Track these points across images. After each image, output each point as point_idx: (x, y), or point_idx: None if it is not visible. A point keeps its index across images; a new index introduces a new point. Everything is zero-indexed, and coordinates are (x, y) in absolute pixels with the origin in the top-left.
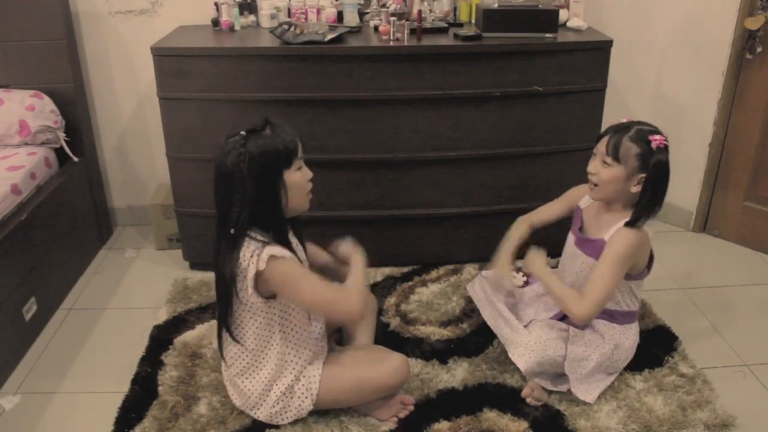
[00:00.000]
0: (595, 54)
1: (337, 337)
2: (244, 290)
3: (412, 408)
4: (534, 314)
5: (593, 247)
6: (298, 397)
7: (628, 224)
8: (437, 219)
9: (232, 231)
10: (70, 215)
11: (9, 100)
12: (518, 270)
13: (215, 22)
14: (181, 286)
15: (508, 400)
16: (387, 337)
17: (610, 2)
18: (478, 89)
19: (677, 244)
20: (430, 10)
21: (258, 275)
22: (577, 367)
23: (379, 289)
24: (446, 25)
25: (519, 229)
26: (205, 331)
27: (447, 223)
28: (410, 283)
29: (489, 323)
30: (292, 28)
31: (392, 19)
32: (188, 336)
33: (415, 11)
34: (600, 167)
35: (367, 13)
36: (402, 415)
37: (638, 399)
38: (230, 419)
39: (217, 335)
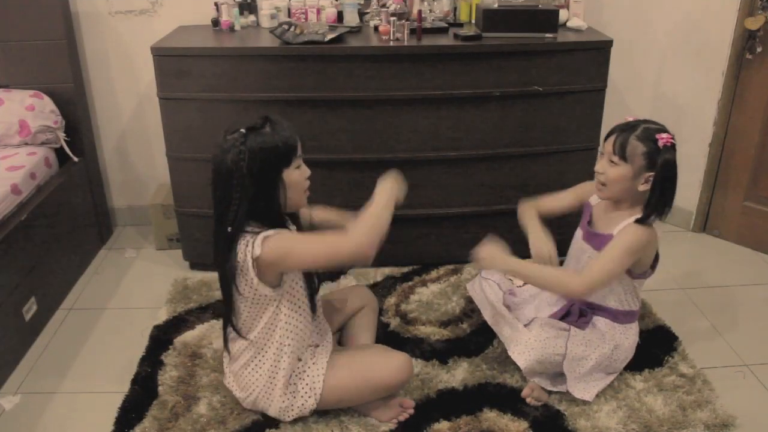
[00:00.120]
0: (595, 54)
1: (337, 337)
2: (248, 283)
3: (412, 411)
4: (535, 312)
5: (601, 242)
6: (302, 396)
7: (638, 221)
8: (437, 219)
9: (229, 229)
10: (70, 215)
11: (9, 100)
12: None
13: (215, 22)
14: (181, 286)
15: (508, 400)
16: (387, 337)
17: (610, 2)
18: (478, 89)
19: (677, 244)
20: (430, 10)
21: (258, 262)
22: (576, 366)
23: (379, 289)
24: (446, 25)
25: (533, 213)
26: (205, 331)
27: (447, 223)
28: (410, 283)
29: (489, 322)
30: (292, 28)
31: (392, 19)
32: (188, 336)
33: (415, 11)
34: (607, 166)
35: (367, 13)
36: (402, 418)
37: (638, 399)
38: (230, 419)
39: (223, 331)
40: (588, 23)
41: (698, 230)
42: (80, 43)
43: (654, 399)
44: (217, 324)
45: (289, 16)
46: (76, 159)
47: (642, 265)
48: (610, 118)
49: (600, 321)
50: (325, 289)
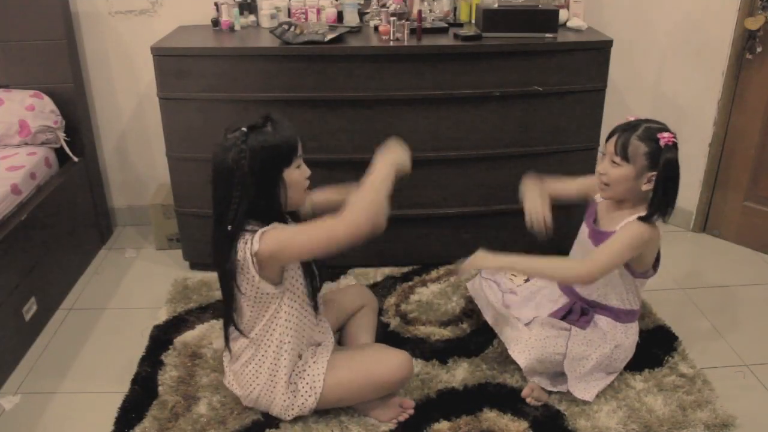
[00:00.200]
0: (595, 54)
1: (337, 336)
2: (249, 281)
3: (412, 412)
4: (536, 311)
5: (603, 240)
6: (302, 395)
7: (641, 219)
8: (437, 219)
9: (229, 228)
10: (70, 215)
11: (9, 100)
12: None
13: (215, 22)
14: (181, 286)
15: (508, 400)
16: (387, 337)
17: (610, 2)
18: (478, 89)
19: (677, 244)
20: (430, 10)
21: (257, 258)
22: (577, 366)
23: (379, 289)
24: (446, 25)
25: (535, 186)
26: (205, 331)
27: (447, 223)
28: (410, 283)
29: (489, 321)
30: (292, 28)
31: (392, 19)
32: (188, 336)
33: (415, 11)
34: (609, 167)
35: (367, 13)
36: (402, 418)
37: (638, 399)
38: (230, 419)
39: (224, 330)
40: (588, 23)
41: (698, 230)
42: (80, 43)
43: (654, 399)
44: (217, 324)
45: (289, 16)
46: (76, 159)
47: (644, 264)
48: (610, 118)
49: (601, 320)
50: (325, 288)
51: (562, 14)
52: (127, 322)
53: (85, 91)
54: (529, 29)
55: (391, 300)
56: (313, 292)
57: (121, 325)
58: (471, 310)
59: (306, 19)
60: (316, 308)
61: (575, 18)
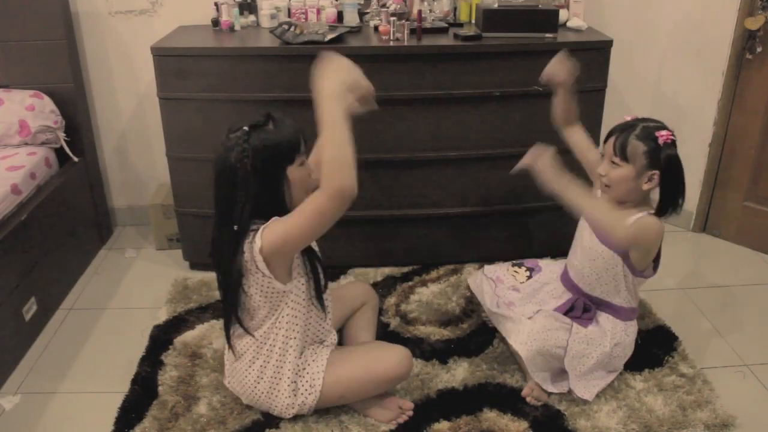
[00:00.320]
0: (595, 54)
1: (338, 335)
2: (257, 281)
3: (411, 413)
4: (538, 308)
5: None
6: (302, 393)
7: (655, 214)
8: (437, 219)
9: (235, 228)
10: (70, 215)
11: (9, 100)
12: (520, 265)
13: (215, 22)
14: (181, 286)
15: (508, 400)
16: (387, 337)
17: (610, 2)
18: (478, 89)
19: (677, 244)
20: (430, 10)
21: (264, 255)
22: (577, 364)
23: (379, 289)
24: (446, 25)
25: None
26: (205, 331)
27: (447, 223)
28: (410, 283)
29: (490, 316)
30: (292, 28)
31: (392, 19)
32: (188, 336)
33: (415, 11)
34: (609, 168)
35: (367, 13)
36: (401, 419)
37: (638, 399)
38: (230, 419)
39: (225, 330)
40: (588, 23)
41: (698, 230)
42: (80, 43)
43: (654, 399)
44: (217, 324)
45: (289, 16)
46: (76, 159)
47: (645, 262)
48: (610, 118)
49: (603, 317)
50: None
51: (562, 14)
52: (127, 322)
53: (85, 91)
54: (529, 29)
55: (391, 300)
56: (320, 290)
57: (121, 325)
58: (471, 310)
59: (306, 19)
60: (323, 306)
61: (575, 18)
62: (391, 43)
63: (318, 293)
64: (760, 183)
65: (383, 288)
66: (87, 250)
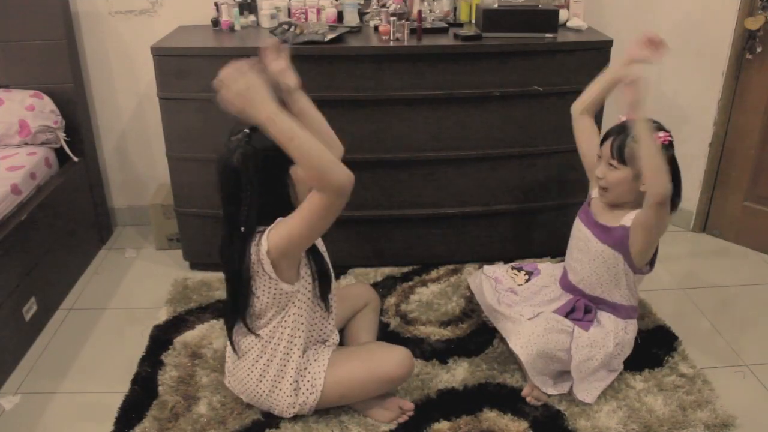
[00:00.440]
0: (595, 54)
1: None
2: (265, 282)
3: (411, 413)
4: (539, 308)
5: (611, 235)
6: (303, 393)
7: None
8: (437, 219)
9: (242, 229)
10: (70, 215)
11: (9, 100)
12: (519, 269)
13: (215, 22)
14: (181, 286)
15: (508, 400)
16: (387, 337)
17: (610, 2)
18: (478, 89)
19: (677, 244)
20: (430, 10)
21: (271, 257)
22: (582, 368)
23: (379, 289)
24: (446, 25)
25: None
26: (205, 331)
27: (447, 223)
28: (410, 283)
29: (489, 316)
30: (292, 28)
31: (392, 19)
32: (188, 336)
33: (415, 11)
34: (607, 171)
35: (367, 13)
36: (402, 420)
37: (638, 399)
38: (230, 419)
39: (227, 329)
40: (588, 23)
41: (698, 230)
42: (80, 43)
43: (654, 399)
44: (217, 324)
45: (289, 16)
46: (76, 159)
47: (645, 257)
48: (610, 119)
49: (604, 317)
50: None
51: (562, 14)
52: (127, 322)
53: (85, 91)
54: (529, 29)
55: (391, 300)
56: (325, 289)
57: (121, 325)
58: (471, 310)
59: (306, 19)
60: (327, 306)
61: (575, 18)
62: (391, 43)
63: (323, 293)
64: (760, 183)
65: (383, 288)
66: (87, 250)
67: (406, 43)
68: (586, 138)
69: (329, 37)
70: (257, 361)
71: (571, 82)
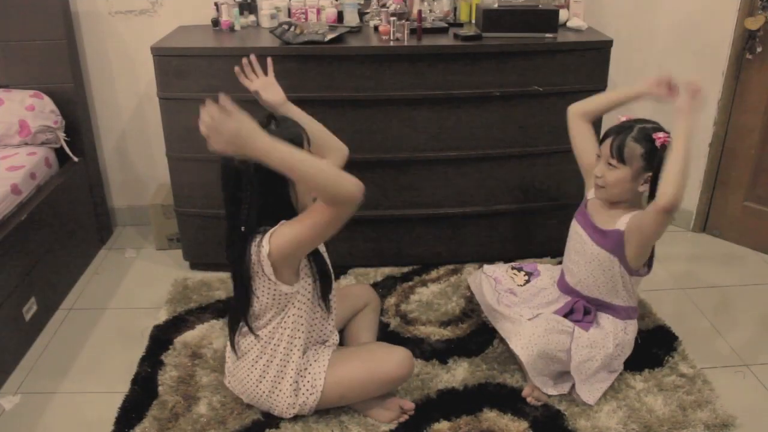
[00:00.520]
0: (595, 54)
1: (339, 336)
2: (264, 283)
3: (412, 413)
4: (538, 310)
5: (607, 239)
6: (303, 394)
7: None
8: (437, 219)
9: (243, 229)
10: (70, 215)
11: (9, 100)
12: (519, 269)
13: (215, 22)
14: (181, 286)
15: (508, 400)
16: (387, 337)
17: (610, 2)
18: (478, 89)
19: (677, 244)
20: (430, 10)
21: (272, 260)
22: (583, 369)
23: (379, 289)
24: (446, 25)
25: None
26: (205, 331)
27: (447, 223)
28: (410, 283)
29: (489, 316)
30: (292, 28)
31: (392, 19)
32: (188, 336)
33: (415, 11)
34: (606, 170)
35: (367, 13)
36: (402, 419)
37: (638, 399)
38: (230, 419)
39: (229, 329)
40: (588, 23)
41: (698, 230)
42: (80, 43)
43: (654, 399)
44: (217, 324)
45: (289, 16)
46: (76, 159)
47: (641, 260)
48: (610, 119)
49: (604, 318)
50: None
51: (562, 14)
52: (127, 322)
53: (85, 91)
54: (529, 29)
55: (391, 300)
56: (326, 290)
57: (121, 325)
58: (471, 310)
59: (306, 19)
60: (328, 307)
61: (575, 18)
62: (391, 43)
63: (324, 293)
64: (760, 183)
65: (383, 288)
66: (87, 250)
67: (406, 43)
68: (584, 140)
69: (329, 37)
70: (257, 362)
71: (571, 82)
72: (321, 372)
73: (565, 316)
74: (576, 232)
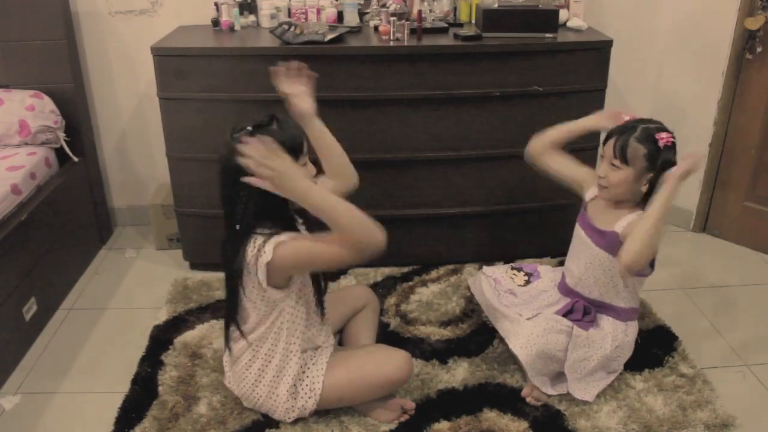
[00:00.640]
0: (595, 54)
1: (338, 337)
2: (254, 286)
3: (413, 413)
4: (537, 310)
5: (605, 239)
6: (302, 397)
7: None
8: (437, 219)
9: (237, 227)
10: (70, 215)
11: (9, 100)
12: (519, 270)
13: (215, 22)
14: (181, 286)
15: (508, 400)
16: (387, 337)
17: (610, 2)
18: (478, 89)
19: (677, 244)
20: (430, 10)
21: (269, 267)
22: (578, 367)
23: (379, 289)
24: (446, 25)
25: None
26: (205, 331)
27: (447, 223)
28: (410, 283)
29: (489, 317)
30: (292, 28)
31: (392, 19)
32: (188, 336)
33: (415, 11)
34: (609, 170)
35: (367, 13)
36: (403, 419)
37: (638, 399)
38: (230, 419)
39: (225, 330)
40: (588, 23)
41: (698, 230)
42: (80, 43)
43: (654, 399)
44: (217, 324)
45: (289, 16)
46: (76, 159)
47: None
48: None
49: (604, 319)
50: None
51: (562, 14)
52: (127, 322)
53: (85, 91)
54: (529, 29)
55: (391, 300)
56: (319, 295)
57: (121, 325)
58: (471, 310)
59: (306, 19)
60: (322, 312)
61: (575, 18)
62: (391, 43)
63: (317, 298)
64: (760, 183)
65: (383, 288)
66: (87, 250)
67: (406, 43)
68: (563, 165)
69: (329, 37)
70: (250, 367)
71: (571, 82)
72: (319, 376)
73: (565, 315)
74: (577, 234)
